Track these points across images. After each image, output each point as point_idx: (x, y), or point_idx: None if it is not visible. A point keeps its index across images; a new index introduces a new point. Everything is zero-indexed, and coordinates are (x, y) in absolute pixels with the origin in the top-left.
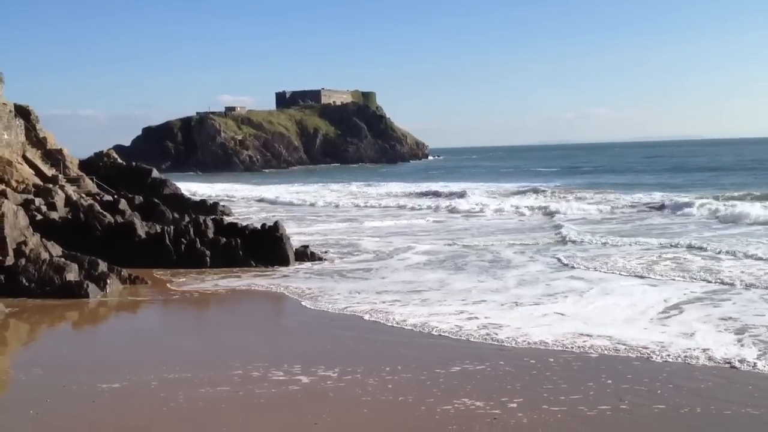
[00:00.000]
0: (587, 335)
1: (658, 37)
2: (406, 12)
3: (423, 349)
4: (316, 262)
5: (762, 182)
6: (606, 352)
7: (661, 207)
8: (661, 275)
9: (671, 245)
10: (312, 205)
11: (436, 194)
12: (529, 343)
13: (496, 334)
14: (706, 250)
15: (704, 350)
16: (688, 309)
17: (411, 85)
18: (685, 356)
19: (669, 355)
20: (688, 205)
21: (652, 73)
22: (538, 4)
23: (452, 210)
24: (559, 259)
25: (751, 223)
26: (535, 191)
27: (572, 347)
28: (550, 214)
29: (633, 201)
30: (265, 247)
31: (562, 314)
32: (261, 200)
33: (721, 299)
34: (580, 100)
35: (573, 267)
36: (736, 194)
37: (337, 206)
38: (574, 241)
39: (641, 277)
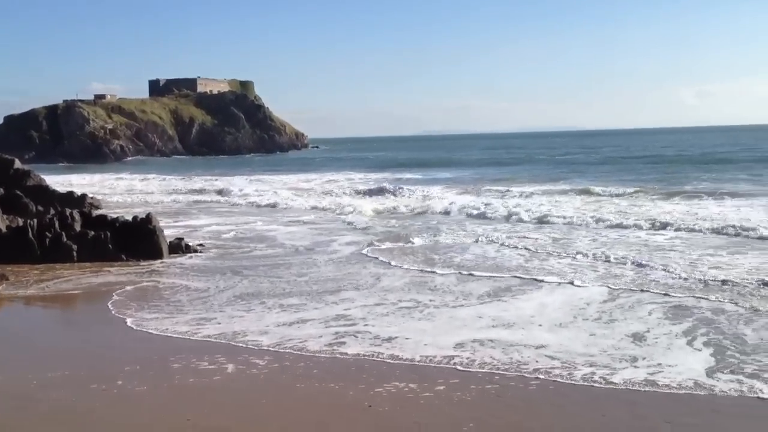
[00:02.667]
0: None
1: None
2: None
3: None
4: (191, 254)
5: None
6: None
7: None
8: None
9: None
10: (272, 206)
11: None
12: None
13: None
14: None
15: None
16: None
17: (296, 73)
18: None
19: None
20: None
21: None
22: None
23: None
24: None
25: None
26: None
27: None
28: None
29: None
30: (137, 240)
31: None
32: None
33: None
34: (463, 90)
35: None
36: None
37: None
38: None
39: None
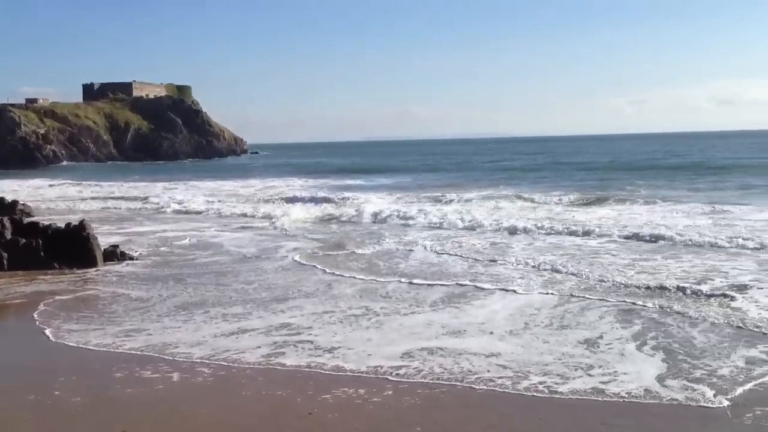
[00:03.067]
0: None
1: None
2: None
3: None
4: (128, 262)
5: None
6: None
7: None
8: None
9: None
10: (212, 213)
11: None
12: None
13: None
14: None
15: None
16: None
17: (236, 78)
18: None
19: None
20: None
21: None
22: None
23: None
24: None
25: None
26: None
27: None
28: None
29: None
30: (70, 248)
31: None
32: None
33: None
34: (404, 97)
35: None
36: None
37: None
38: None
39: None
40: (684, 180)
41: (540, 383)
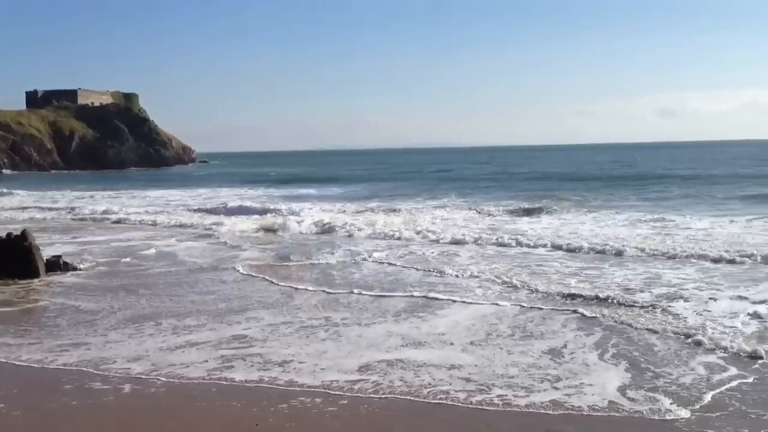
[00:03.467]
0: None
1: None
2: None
3: None
4: (72, 273)
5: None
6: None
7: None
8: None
9: None
10: (158, 224)
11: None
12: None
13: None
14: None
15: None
16: None
17: (185, 87)
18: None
19: None
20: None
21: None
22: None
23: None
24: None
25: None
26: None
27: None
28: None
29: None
30: (11, 258)
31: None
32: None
33: None
34: (359, 106)
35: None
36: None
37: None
38: None
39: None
40: (627, 190)
41: (499, 396)
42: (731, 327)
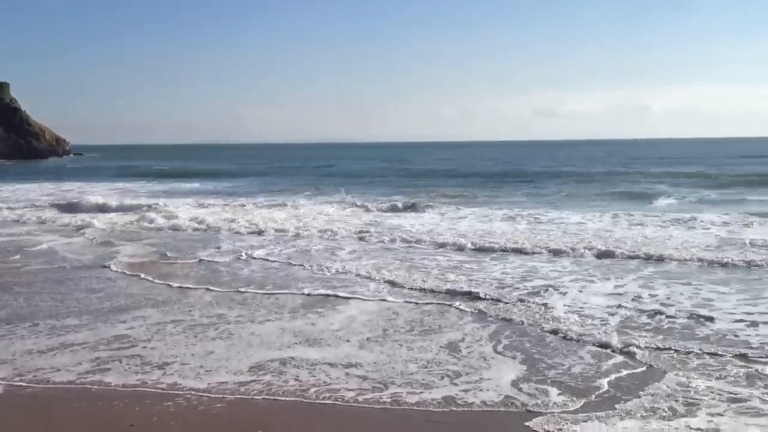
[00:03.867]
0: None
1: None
2: None
3: None
4: None
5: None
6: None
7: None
8: None
9: None
10: (32, 221)
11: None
12: None
13: None
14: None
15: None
16: None
17: (61, 77)
18: None
19: None
20: None
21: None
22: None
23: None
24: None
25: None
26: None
27: None
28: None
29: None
30: None
31: None
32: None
33: None
34: (239, 99)
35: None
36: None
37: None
38: None
39: None
40: (508, 186)
41: (394, 394)
42: (602, 318)
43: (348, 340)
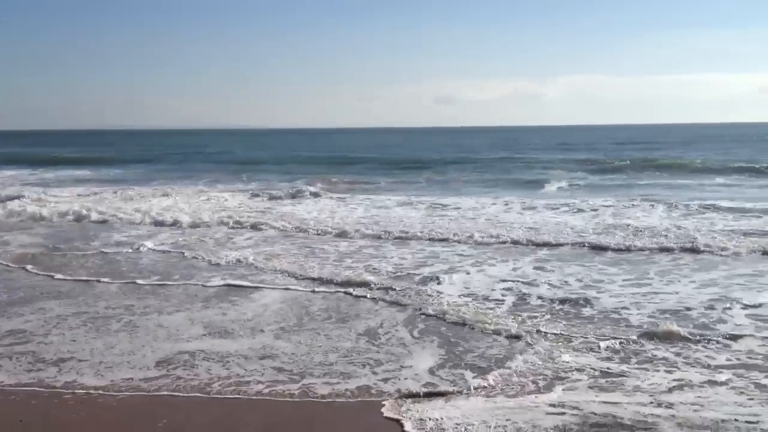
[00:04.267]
0: None
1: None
2: None
3: None
4: None
5: None
6: None
7: None
8: None
9: None
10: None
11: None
12: None
13: None
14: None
15: None
16: None
17: None
18: None
19: None
20: None
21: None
22: None
23: None
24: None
25: None
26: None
27: None
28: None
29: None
30: None
31: None
32: None
33: None
34: (137, 84)
35: None
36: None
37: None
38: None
39: None
40: (407, 172)
41: (310, 385)
42: (497, 301)
43: (262, 330)
